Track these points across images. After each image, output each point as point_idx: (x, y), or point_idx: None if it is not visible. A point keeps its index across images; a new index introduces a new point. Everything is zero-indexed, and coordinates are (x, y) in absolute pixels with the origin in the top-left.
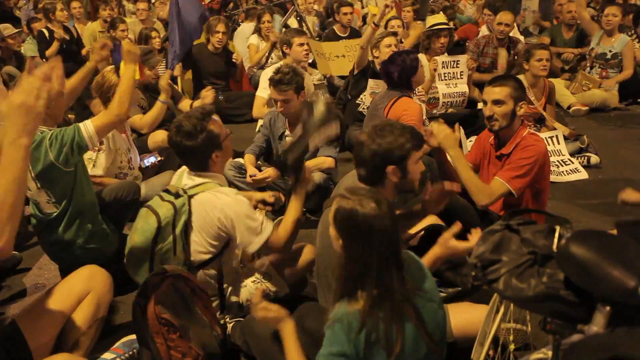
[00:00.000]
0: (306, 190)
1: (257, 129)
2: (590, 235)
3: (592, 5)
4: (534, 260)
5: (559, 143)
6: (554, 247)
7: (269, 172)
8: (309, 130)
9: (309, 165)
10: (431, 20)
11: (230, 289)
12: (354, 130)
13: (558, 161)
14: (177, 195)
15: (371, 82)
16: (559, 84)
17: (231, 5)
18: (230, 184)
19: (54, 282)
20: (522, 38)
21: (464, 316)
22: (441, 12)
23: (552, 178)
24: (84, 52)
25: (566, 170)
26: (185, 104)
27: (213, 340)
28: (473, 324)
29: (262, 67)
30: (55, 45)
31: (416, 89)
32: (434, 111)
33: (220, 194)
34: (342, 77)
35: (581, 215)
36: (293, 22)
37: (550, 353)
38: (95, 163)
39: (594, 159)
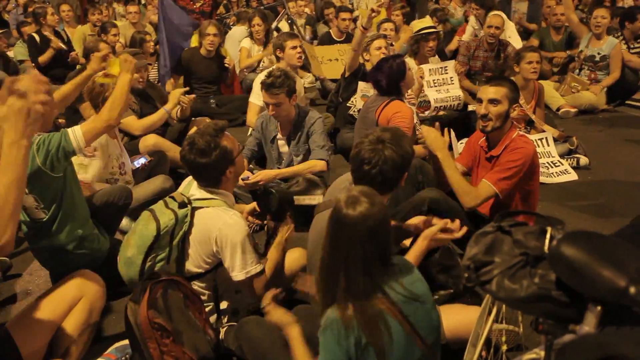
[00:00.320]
0: (286, 240)
1: (249, 133)
2: (581, 236)
3: (580, 7)
4: (526, 262)
5: (548, 145)
6: (546, 248)
7: (261, 175)
8: (300, 193)
9: (301, 169)
10: (418, 24)
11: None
12: (345, 133)
13: (548, 163)
14: (181, 205)
15: (362, 85)
16: (548, 86)
17: (221, 9)
18: None
19: (45, 288)
20: (519, 40)
21: (456, 318)
22: (427, 16)
23: (542, 179)
24: (72, 54)
25: (556, 172)
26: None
27: (206, 344)
28: (465, 326)
29: (254, 70)
30: (49, 53)
31: (406, 93)
32: (425, 113)
33: (223, 214)
34: (334, 81)
35: (571, 216)
36: (284, 26)
37: (542, 353)
38: (87, 169)
39: (584, 160)
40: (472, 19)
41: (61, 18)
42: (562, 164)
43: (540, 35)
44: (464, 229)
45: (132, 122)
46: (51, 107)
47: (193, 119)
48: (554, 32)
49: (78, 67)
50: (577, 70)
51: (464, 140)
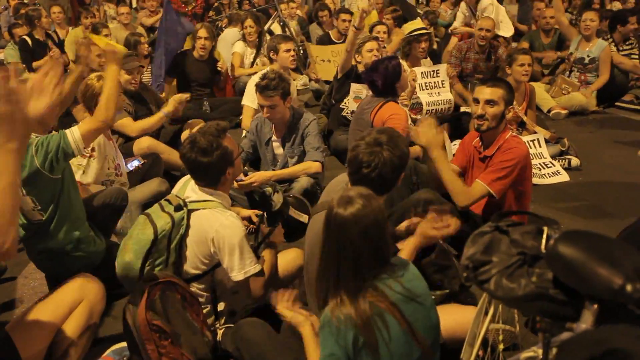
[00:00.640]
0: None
1: (242, 135)
2: (578, 235)
3: (570, 10)
4: (524, 261)
5: (540, 146)
6: (542, 247)
7: (255, 176)
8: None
9: (296, 170)
10: (409, 26)
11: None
12: (339, 134)
13: (540, 164)
14: (177, 208)
15: (354, 87)
16: (539, 87)
17: (212, 13)
18: None
19: (40, 291)
20: (510, 25)
21: (452, 317)
22: (419, 18)
23: (534, 181)
24: (63, 58)
25: (548, 173)
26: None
27: (204, 346)
28: (461, 325)
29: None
30: (45, 60)
31: (401, 95)
32: (418, 117)
33: (220, 215)
34: (327, 82)
35: (563, 216)
36: (276, 28)
37: (540, 351)
38: (86, 170)
39: (575, 161)
40: (462, 5)
41: (52, 20)
42: (554, 165)
43: (530, 37)
44: (457, 224)
45: (129, 124)
46: (52, 107)
47: (187, 121)
48: (543, 34)
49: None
50: (567, 72)
51: (457, 141)
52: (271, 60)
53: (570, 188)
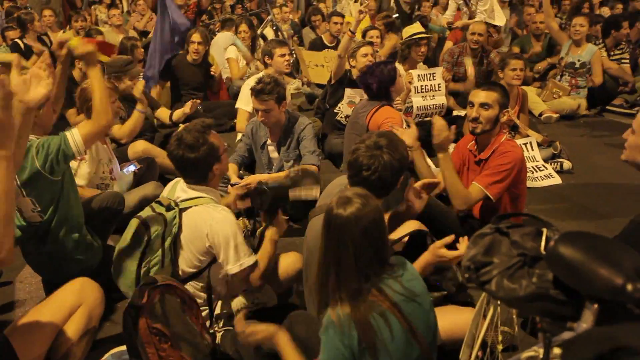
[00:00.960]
0: (279, 236)
1: (237, 139)
2: (577, 236)
3: (559, 15)
4: (524, 262)
5: (532, 149)
6: (542, 248)
7: (251, 179)
8: (294, 185)
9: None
10: (409, 30)
11: (221, 302)
12: (334, 138)
13: (532, 167)
14: (168, 208)
15: (348, 92)
16: (530, 92)
17: (205, 17)
18: None
19: (36, 295)
20: (502, 15)
21: (450, 319)
22: (417, 22)
23: (528, 184)
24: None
25: (540, 176)
26: (162, 112)
27: (204, 349)
28: (459, 327)
29: (241, 78)
30: (34, 60)
31: (396, 99)
32: (410, 119)
33: (212, 210)
34: (320, 86)
35: (556, 219)
36: (269, 32)
37: (541, 351)
38: (77, 173)
39: (567, 164)
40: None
41: (44, 23)
42: (546, 168)
43: (520, 42)
44: (466, 242)
45: (116, 131)
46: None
47: (181, 124)
48: (534, 39)
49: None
50: (558, 77)
51: (451, 145)
52: (266, 65)
53: (563, 191)
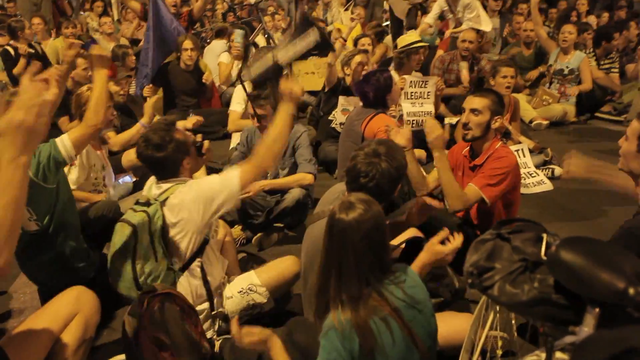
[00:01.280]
0: (293, 104)
1: (230, 146)
2: (578, 241)
3: (547, 23)
4: (525, 267)
5: (524, 156)
6: (542, 254)
7: (250, 186)
8: (280, 45)
9: (290, 181)
10: (407, 38)
11: (216, 299)
12: (328, 146)
13: (525, 173)
14: (148, 204)
15: (342, 99)
16: (520, 99)
17: (197, 25)
18: None
19: (31, 305)
20: (488, 20)
21: (448, 325)
22: (413, 30)
23: (520, 190)
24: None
25: (532, 182)
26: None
27: (203, 357)
28: (457, 333)
29: (233, 84)
30: (22, 63)
31: (391, 107)
32: (401, 127)
33: (185, 184)
34: (311, 94)
35: (549, 225)
36: (261, 40)
37: (543, 355)
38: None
39: (558, 170)
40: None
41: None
42: (538, 175)
43: (509, 51)
44: (461, 237)
45: (110, 138)
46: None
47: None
48: (524, 47)
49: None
50: (548, 84)
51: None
52: None
53: (555, 197)
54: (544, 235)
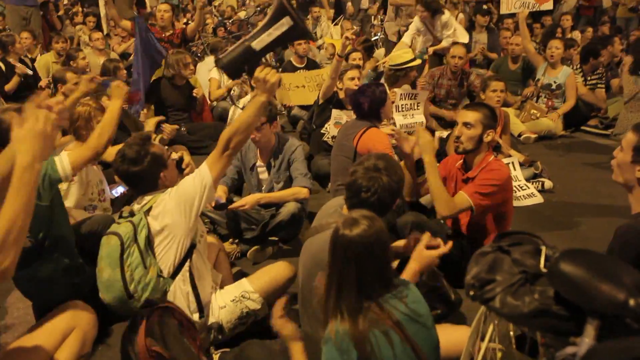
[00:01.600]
0: (267, 94)
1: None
2: (578, 253)
3: (533, 39)
4: (525, 279)
5: (515, 169)
6: (541, 266)
7: (246, 200)
8: (254, 34)
9: (285, 195)
10: (404, 55)
11: (209, 310)
12: (320, 159)
13: (515, 186)
14: (132, 214)
15: (335, 112)
16: (509, 113)
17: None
18: (203, 214)
19: (25, 320)
20: (465, 33)
21: (446, 338)
22: (409, 48)
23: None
24: (42, 84)
25: (523, 195)
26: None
27: None
28: (456, 345)
29: (224, 98)
30: (15, 81)
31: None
32: (393, 141)
33: (165, 192)
34: (301, 107)
35: (542, 237)
36: None
37: None
38: (66, 195)
39: (548, 183)
40: (416, 19)
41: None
42: (529, 188)
43: (497, 65)
44: (450, 243)
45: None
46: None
47: (166, 147)
48: (511, 61)
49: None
50: (535, 98)
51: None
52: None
53: (545, 209)
54: (543, 248)
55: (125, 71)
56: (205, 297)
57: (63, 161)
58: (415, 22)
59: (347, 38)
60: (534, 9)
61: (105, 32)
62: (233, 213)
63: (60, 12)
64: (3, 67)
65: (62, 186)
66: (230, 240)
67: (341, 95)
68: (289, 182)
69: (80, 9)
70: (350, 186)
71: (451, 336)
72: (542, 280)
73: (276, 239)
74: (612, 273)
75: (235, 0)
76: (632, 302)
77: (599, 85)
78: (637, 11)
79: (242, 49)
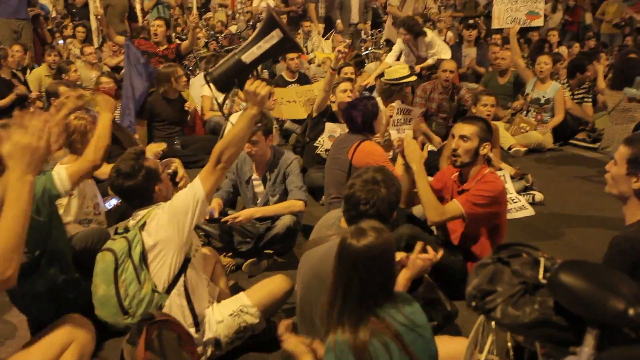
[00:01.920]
0: (257, 107)
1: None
2: (576, 264)
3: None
4: (525, 290)
5: (506, 182)
6: (540, 277)
7: (241, 213)
8: (244, 47)
9: (280, 208)
10: (400, 70)
11: (206, 325)
12: (314, 172)
13: (507, 199)
14: (126, 230)
15: (329, 126)
16: (499, 126)
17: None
18: (197, 227)
19: (20, 335)
20: (448, 48)
21: (444, 349)
22: (405, 64)
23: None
24: (32, 95)
25: (515, 208)
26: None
27: None
28: (453, 357)
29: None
30: (10, 98)
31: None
32: (390, 153)
33: (159, 207)
34: (293, 121)
35: None
36: None
37: None
38: (66, 209)
39: (539, 196)
40: (398, 41)
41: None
42: (520, 200)
43: (486, 79)
44: (440, 252)
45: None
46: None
47: (159, 160)
48: (499, 75)
49: (32, 109)
50: (525, 112)
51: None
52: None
53: (537, 222)
54: (541, 259)
55: (115, 84)
56: (201, 311)
57: (61, 176)
58: (399, 44)
59: (339, 51)
60: (525, 25)
61: (96, 46)
62: (227, 226)
63: (50, 26)
64: None
65: (63, 201)
66: (224, 253)
67: (334, 107)
68: (284, 195)
69: (70, 22)
70: (348, 199)
71: (449, 347)
72: (541, 291)
73: (271, 251)
74: (611, 283)
75: (225, 15)
76: (631, 311)
77: (585, 100)
78: (621, 27)
79: (232, 63)
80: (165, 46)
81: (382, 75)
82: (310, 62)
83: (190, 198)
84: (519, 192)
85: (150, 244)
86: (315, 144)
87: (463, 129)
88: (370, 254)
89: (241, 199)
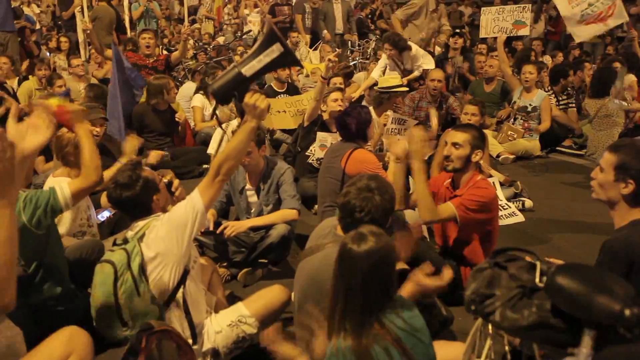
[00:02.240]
0: (256, 119)
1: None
2: (572, 267)
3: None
4: (523, 293)
5: (496, 189)
6: (537, 280)
7: (233, 224)
8: (244, 61)
9: (274, 218)
10: (392, 80)
11: (205, 335)
12: (305, 182)
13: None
14: (125, 241)
15: (320, 135)
16: (488, 134)
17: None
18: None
19: (14, 349)
20: (431, 59)
21: (441, 354)
22: (396, 72)
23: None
24: (21, 106)
25: (504, 215)
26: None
27: None
28: None
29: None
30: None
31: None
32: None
33: (158, 219)
34: (283, 131)
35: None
36: None
37: None
38: (60, 221)
39: (528, 202)
40: (383, 56)
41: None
42: (510, 207)
43: (472, 87)
44: (450, 274)
45: None
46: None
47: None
48: (485, 83)
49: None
50: (512, 120)
51: None
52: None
53: (527, 228)
54: (537, 263)
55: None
56: (199, 322)
57: (64, 192)
58: (384, 59)
59: (330, 60)
60: (512, 34)
61: (84, 58)
62: (221, 237)
63: (34, 38)
64: None
65: None
66: (219, 263)
67: (325, 117)
68: (278, 205)
69: (55, 35)
70: (344, 207)
71: (446, 352)
72: (539, 294)
73: (266, 261)
74: (606, 285)
75: (212, 26)
76: (627, 312)
77: (570, 106)
78: (603, 37)
79: (232, 75)
80: (154, 58)
81: (372, 87)
82: (298, 72)
83: (189, 210)
84: (508, 199)
85: (150, 256)
86: (307, 153)
87: (455, 136)
88: (370, 259)
89: (235, 209)
